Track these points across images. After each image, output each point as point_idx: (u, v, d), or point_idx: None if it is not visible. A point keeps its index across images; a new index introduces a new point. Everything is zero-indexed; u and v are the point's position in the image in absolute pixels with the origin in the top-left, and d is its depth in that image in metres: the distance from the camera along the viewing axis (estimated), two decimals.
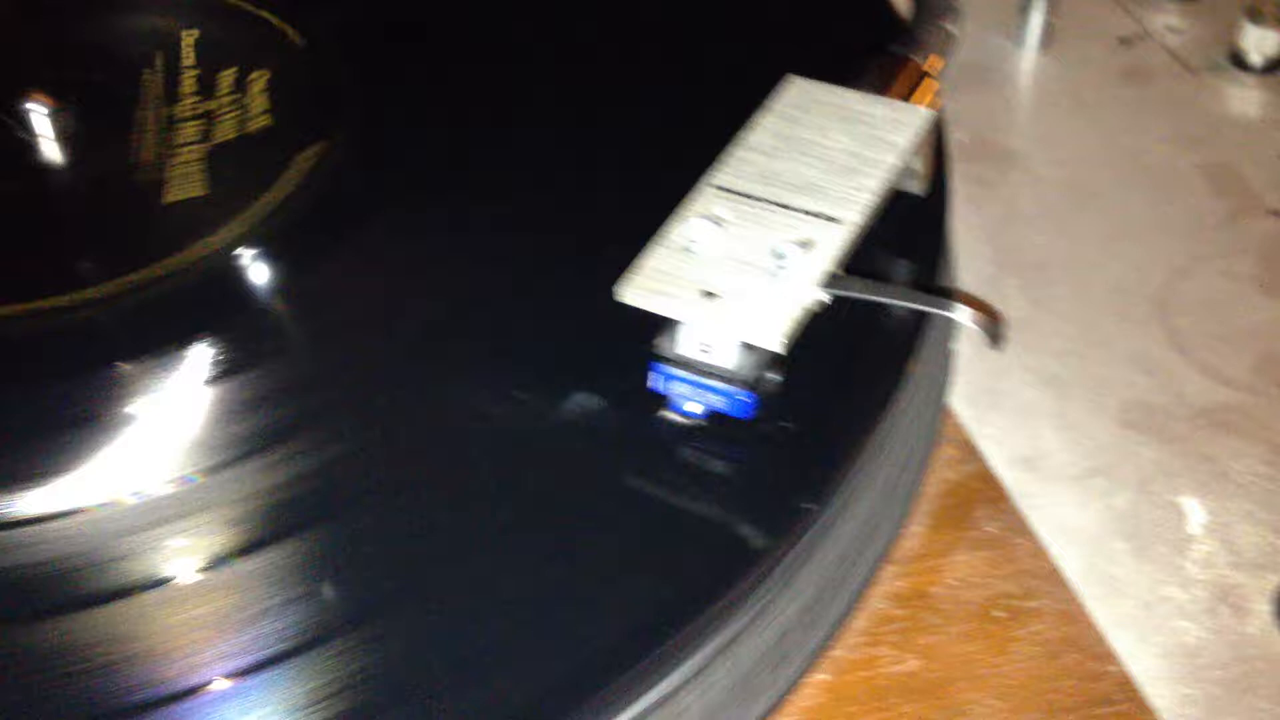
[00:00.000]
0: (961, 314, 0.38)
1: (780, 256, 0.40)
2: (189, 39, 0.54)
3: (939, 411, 0.48)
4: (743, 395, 0.39)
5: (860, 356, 0.42)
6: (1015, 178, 0.57)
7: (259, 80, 0.52)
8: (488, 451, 0.41)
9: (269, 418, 0.41)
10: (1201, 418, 0.48)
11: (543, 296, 0.45)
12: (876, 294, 0.39)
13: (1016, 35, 0.63)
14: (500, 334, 0.44)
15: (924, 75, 0.47)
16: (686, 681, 0.37)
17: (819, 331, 0.41)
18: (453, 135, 0.51)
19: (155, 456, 0.40)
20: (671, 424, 0.41)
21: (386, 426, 0.41)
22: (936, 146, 0.47)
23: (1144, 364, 0.50)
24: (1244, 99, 0.60)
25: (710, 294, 0.39)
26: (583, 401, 0.42)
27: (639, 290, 0.39)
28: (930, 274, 0.45)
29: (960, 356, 0.50)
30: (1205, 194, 0.56)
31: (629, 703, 0.36)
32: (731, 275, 0.39)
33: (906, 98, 0.46)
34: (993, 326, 0.38)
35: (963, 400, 0.49)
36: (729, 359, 0.39)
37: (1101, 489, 0.46)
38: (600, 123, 0.51)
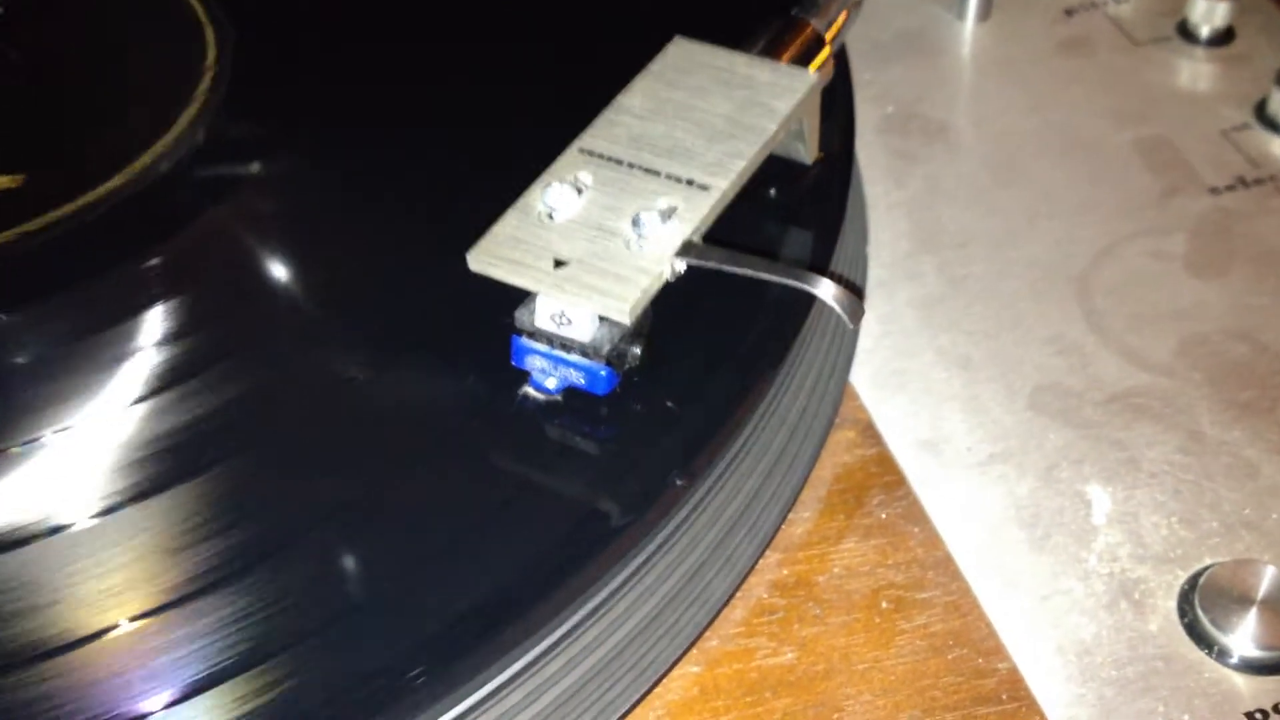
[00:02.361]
0: (820, 289, 0.36)
1: (640, 224, 0.37)
2: None
3: (839, 391, 0.46)
4: (600, 369, 0.37)
5: (743, 330, 0.40)
6: (940, 152, 0.54)
7: None
8: (341, 422, 0.39)
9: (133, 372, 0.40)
10: (1116, 402, 0.45)
11: (415, 262, 0.43)
12: (735, 265, 0.36)
13: (955, 6, 0.60)
14: (363, 299, 0.42)
15: (820, 40, 0.44)
16: (530, 668, 0.35)
17: (697, 304, 0.38)
18: (327, 89, 0.49)
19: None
20: (531, 399, 0.38)
21: (246, 389, 0.40)
22: (838, 110, 0.44)
23: (1059, 345, 0.47)
24: (1190, 73, 0.58)
25: (561, 263, 0.37)
26: (444, 374, 0.40)
27: (486, 257, 0.37)
28: (818, 249, 0.43)
29: (869, 336, 0.48)
30: (1140, 171, 0.53)
31: (466, 692, 0.34)
32: (585, 243, 0.37)
33: (798, 63, 0.43)
34: (851, 305, 0.35)
35: (867, 381, 0.47)
36: (585, 331, 0.37)
37: (1004, 475, 0.44)
38: (487, 82, 0.49)
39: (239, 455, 0.38)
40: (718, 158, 0.39)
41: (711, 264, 0.37)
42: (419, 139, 0.47)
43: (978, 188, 0.53)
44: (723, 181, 0.39)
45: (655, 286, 0.37)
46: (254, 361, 0.41)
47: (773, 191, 0.44)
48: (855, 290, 0.47)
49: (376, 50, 0.51)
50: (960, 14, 0.60)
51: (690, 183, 0.39)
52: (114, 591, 0.35)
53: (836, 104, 0.46)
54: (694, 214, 0.38)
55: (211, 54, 0.50)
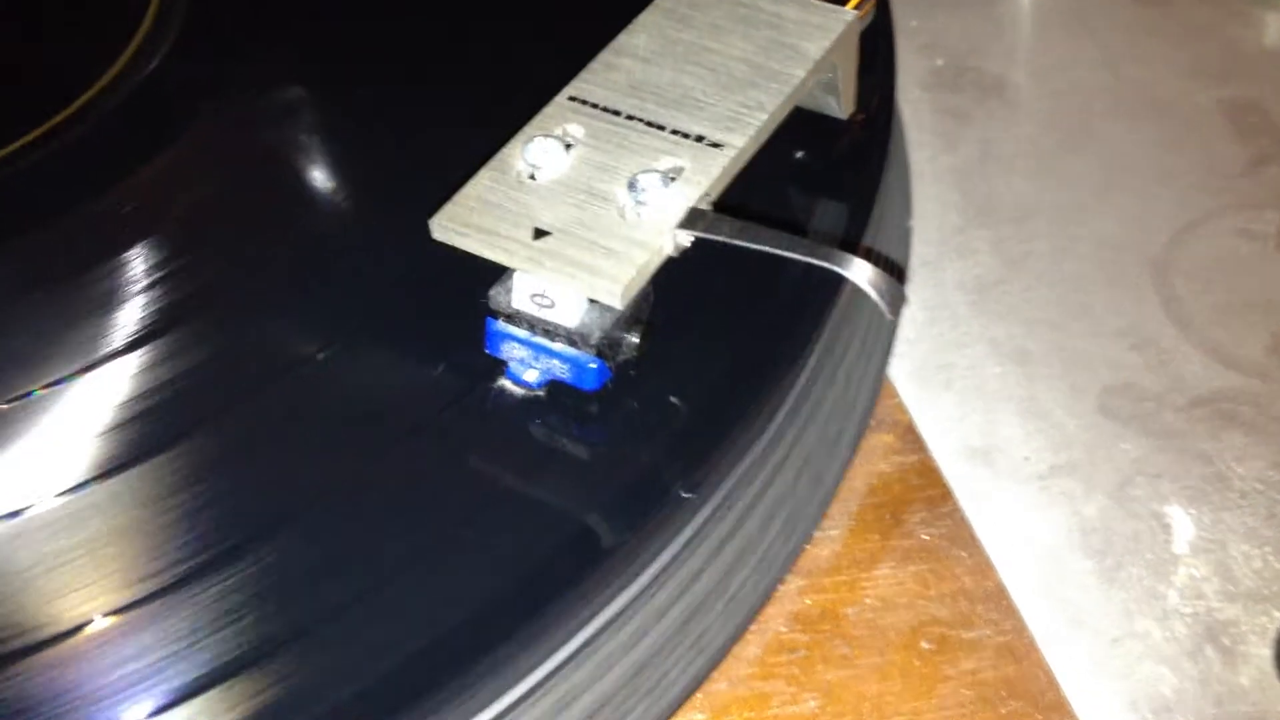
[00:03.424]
0: (853, 270, 0.29)
1: (638, 188, 0.31)
2: None
3: (875, 388, 0.39)
4: (589, 361, 0.31)
5: (760, 315, 0.34)
6: (997, 111, 0.48)
7: None
8: (290, 408, 0.33)
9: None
10: (1200, 407, 0.39)
11: (376, 226, 0.37)
12: (751, 240, 0.30)
13: None
14: (321, 268, 0.36)
15: None
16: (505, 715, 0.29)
17: (706, 284, 0.32)
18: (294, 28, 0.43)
19: None
20: (507, 393, 0.32)
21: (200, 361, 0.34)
22: (879, 60, 0.38)
23: (1133, 339, 0.40)
24: None
25: (542, 233, 0.30)
26: (409, 359, 0.34)
27: (452, 224, 0.31)
28: (851, 222, 0.36)
29: (911, 323, 0.41)
30: (1226, 137, 0.46)
31: None
32: (572, 209, 0.31)
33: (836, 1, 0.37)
34: (889, 290, 0.29)
35: (908, 376, 0.40)
36: (571, 316, 0.31)
37: (1068, 492, 0.37)
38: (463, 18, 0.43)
39: (196, 434, 0.32)
40: (733, 110, 0.33)
41: (722, 237, 0.30)
42: (397, 89, 0.41)
43: (1039, 153, 0.46)
44: (739, 139, 0.32)
45: (654, 264, 0.30)
46: (209, 330, 0.35)
47: (798, 153, 0.37)
48: (895, 271, 0.40)
49: None
50: None
51: (700, 139, 0.32)
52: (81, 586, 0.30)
53: (877, 51, 0.39)
54: (703, 177, 0.31)
55: None
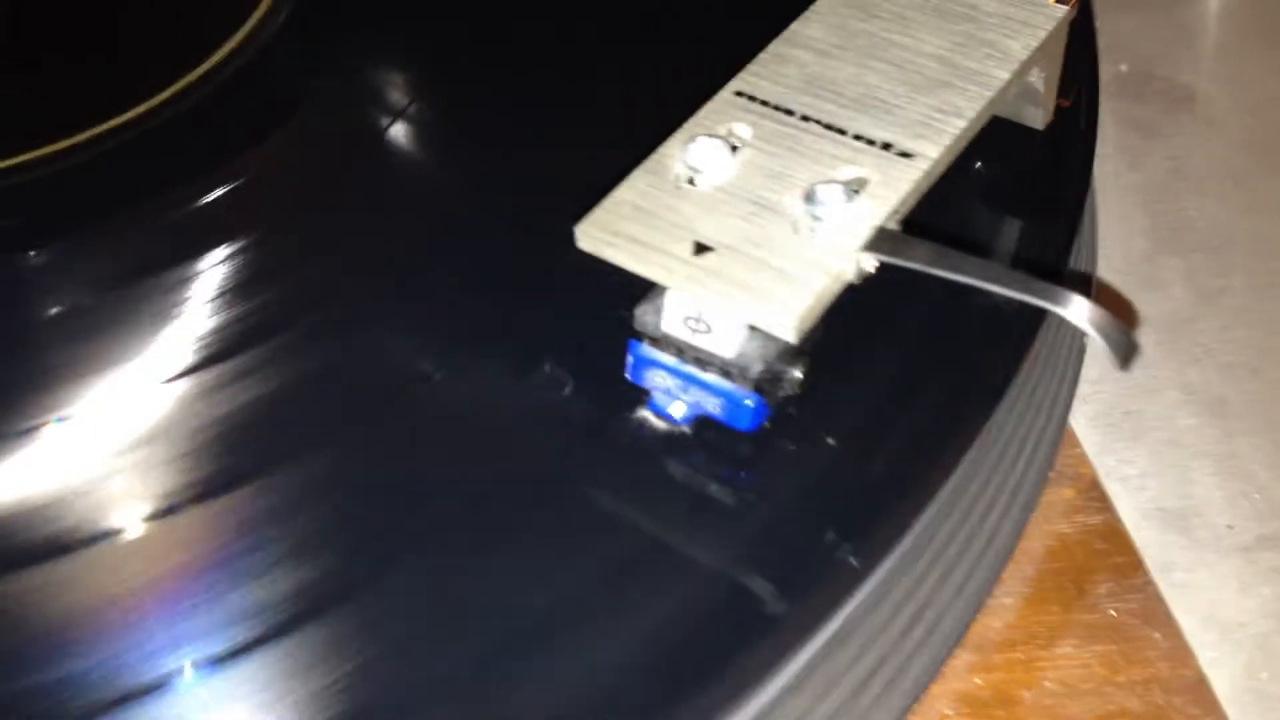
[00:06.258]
0: (1074, 312, 0.25)
1: (815, 201, 0.26)
2: None
3: (1057, 435, 0.34)
4: (745, 398, 0.27)
5: (944, 351, 0.29)
6: (1187, 125, 0.43)
7: None
8: (402, 434, 0.29)
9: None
10: None
11: (509, 233, 0.33)
12: (949, 269, 0.25)
13: None
14: (445, 280, 0.32)
15: None
16: None
17: (879, 307, 0.28)
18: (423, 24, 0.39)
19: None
20: (648, 427, 0.28)
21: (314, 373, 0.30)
22: (1081, 65, 0.33)
23: None
24: None
25: (704, 248, 0.26)
26: (534, 383, 0.30)
27: (601, 234, 0.27)
28: (1050, 248, 0.31)
29: (1092, 361, 0.36)
30: None
31: None
32: (739, 221, 0.26)
33: None
34: (1120, 337, 0.24)
35: (1090, 423, 0.36)
36: (729, 344, 0.27)
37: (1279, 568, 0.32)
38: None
39: (290, 460, 0.29)
40: (926, 114, 0.28)
41: (916, 265, 0.26)
42: (540, 81, 0.37)
43: (1236, 174, 0.41)
44: (933, 148, 0.28)
45: (834, 291, 0.26)
46: (312, 341, 0.31)
47: (985, 164, 0.32)
48: (1123, 314, 0.36)
49: None
50: None
51: (887, 147, 0.28)
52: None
53: (1075, 52, 0.34)
54: (892, 192, 0.27)
55: None
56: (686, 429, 0.28)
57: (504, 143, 0.35)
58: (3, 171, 0.36)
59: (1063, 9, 0.30)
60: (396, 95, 0.37)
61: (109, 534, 0.28)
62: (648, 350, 0.28)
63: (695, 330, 0.27)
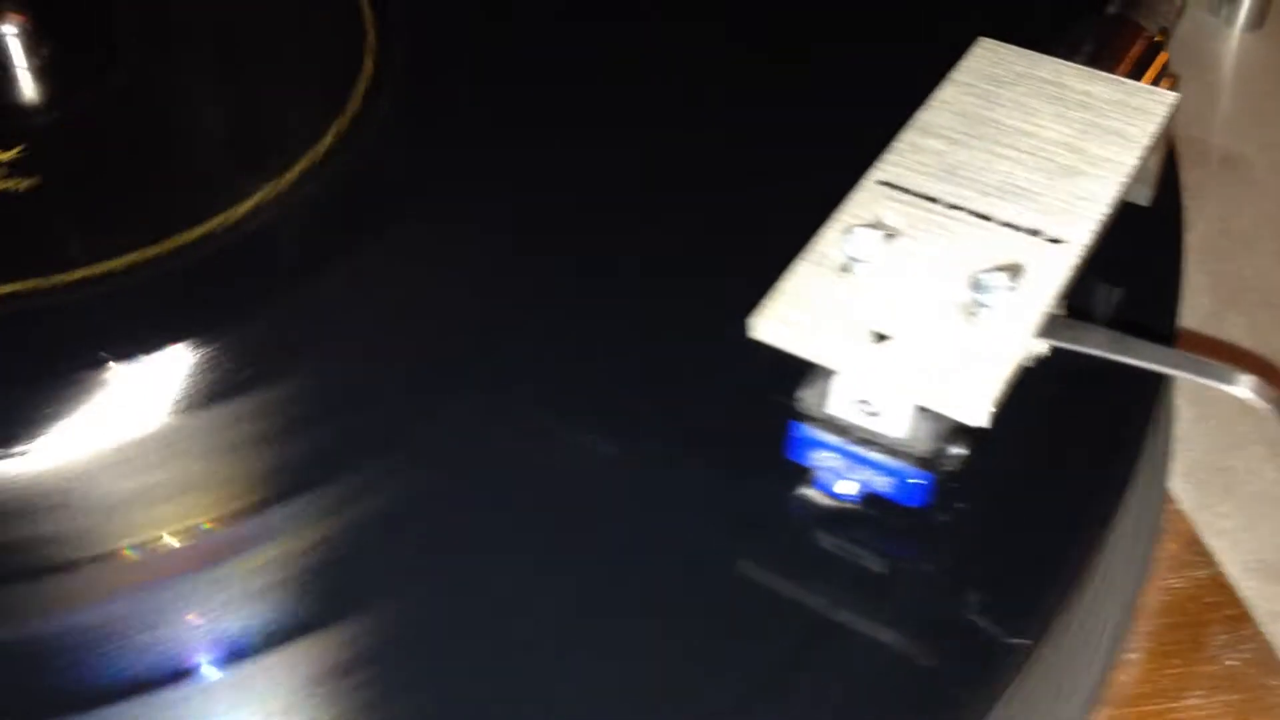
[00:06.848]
0: (1241, 388, 0.26)
1: (981, 288, 0.28)
2: None
3: (1160, 494, 0.36)
4: (915, 476, 0.28)
5: (1077, 423, 0.31)
6: (1229, 186, 0.45)
7: None
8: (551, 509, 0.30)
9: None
10: None
11: (654, 323, 0.34)
12: (1123, 353, 0.27)
13: (1223, 9, 0.50)
14: (589, 364, 0.33)
15: (1155, 45, 0.35)
16: None
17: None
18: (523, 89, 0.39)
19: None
20: (815, 505, 0.29)
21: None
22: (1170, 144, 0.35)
23: None
24: None
25: (882, 336, 0.27)
26: (692, 467, 0.31)
27: (778, 323, 0.28)
28: (1161, 317, 0.33)
29: (1180, 419, 0.38)
30: None
31: None
32: (908, 309, 0.28)
33: (1133, 76, 0.34)
34: None
35: (1184, 479, 0.37)
36: (899, 426, 0.28)
37: None
38: (735, 93, 0.39)
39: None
40: (1066, 201, 0.30)
41: (1091, 350, 0.27)
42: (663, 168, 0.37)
43: None
44: (1081, 233, 0.29)
45: (1015, 375, 0.27)
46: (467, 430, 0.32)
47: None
48: None
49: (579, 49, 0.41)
50: (1229, 19, 0.50)
51: (1035, 233, 0.29)
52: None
53: None
54: (1050, 277, 0.28)
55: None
56: (852, 506, 0.29)
57: (626, 232, 0.36)
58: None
59: (1172, 95, 0.32)
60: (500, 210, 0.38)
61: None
62: (813, 432, 0.29)
63: (865, 412, 0.28)
